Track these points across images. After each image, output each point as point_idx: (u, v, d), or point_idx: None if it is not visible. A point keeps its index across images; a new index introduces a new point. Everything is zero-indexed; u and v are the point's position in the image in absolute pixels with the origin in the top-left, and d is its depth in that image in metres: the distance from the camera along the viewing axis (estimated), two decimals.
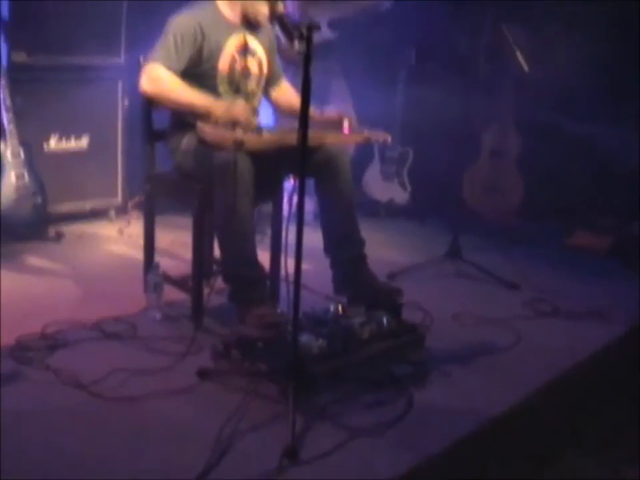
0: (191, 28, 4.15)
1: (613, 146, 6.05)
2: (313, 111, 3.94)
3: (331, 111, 4.43)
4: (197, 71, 4.20)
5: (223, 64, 4.24)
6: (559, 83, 6.20)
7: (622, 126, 5.97)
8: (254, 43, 4.37)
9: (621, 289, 5.11)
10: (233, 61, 4.27)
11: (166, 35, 4.14)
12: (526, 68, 5.05)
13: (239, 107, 4.07)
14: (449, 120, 5.65)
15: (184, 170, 4.24)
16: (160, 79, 4.08)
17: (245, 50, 4.31)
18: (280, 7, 4.18)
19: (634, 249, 5.61)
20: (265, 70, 4.46)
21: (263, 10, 4.20)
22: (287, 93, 4.63)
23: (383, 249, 5.56)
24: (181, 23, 4.17)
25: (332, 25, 5.89)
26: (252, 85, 4.37)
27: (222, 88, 4.25)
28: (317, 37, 5.30)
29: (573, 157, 6.31)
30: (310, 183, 4.18)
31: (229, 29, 4.29)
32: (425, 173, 6.55)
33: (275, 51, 4.61)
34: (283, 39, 3.61)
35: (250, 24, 4.34)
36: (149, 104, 4.29)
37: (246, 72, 4.33)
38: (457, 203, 5.43)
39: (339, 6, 5.92)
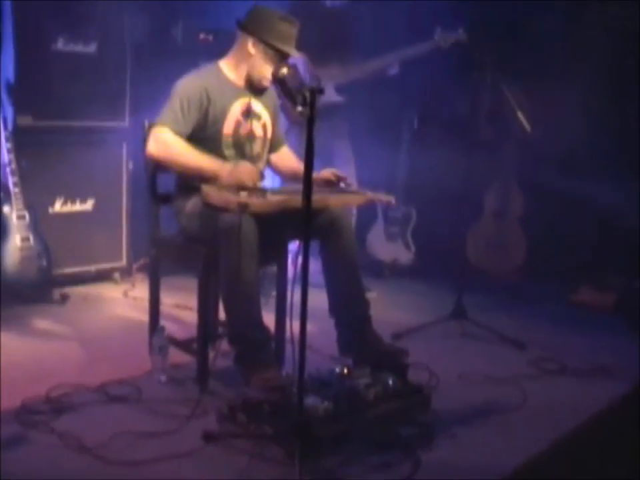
0: (197, 92, 4.20)
1: (616, 203, 6.06)
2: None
3: (325, 171, 4.43)
4: (203, 135, 4.24)
5: (228, 128, 4.28)
6: (560, 141, 6.24)
7: (625, 183, 5.98)
8: (259, 107, 4.42)
9: (626, 345, 5.10)
10: (238, 124, 4.31)
11: (173, 99, 4.19)
12: (528, 128, 5.07)
13: (245, 169, 4.10)
14: (452, 180, 5.67)
15: (189, 233, 4.26)
16: (167, 142, 4.13)
17: (250, 114, 4.36)
18: (284, 71, 4.24)
19: (638, 306, 5.61)
20: (270, 133, 4.50)
21: (268, 74, 4.24)
22: (287, 157, 4.66)
23: (388, 309, 5.58)
24: (187, 87, 4.22)
25: (339, 88, 5.94)
26: (257, 148, 4.41)
27: (227, 152, 4.28)
28: (324, 99, 5.39)
29: (576, 214, 6.34)
30: (315, 243, 4.21)
31: (234, 92, 4.34)
32: (428, 233, 6.57)
33: (278, 114, 4.66)
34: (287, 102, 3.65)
35: (254, 88, 4.39)
36: (155, 167, 4.32)
37: (251, 135, 4.37)
38: (461, 262, 5.43)
39: (348, 71, 5.97)
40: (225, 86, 4.33)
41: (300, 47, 4.37)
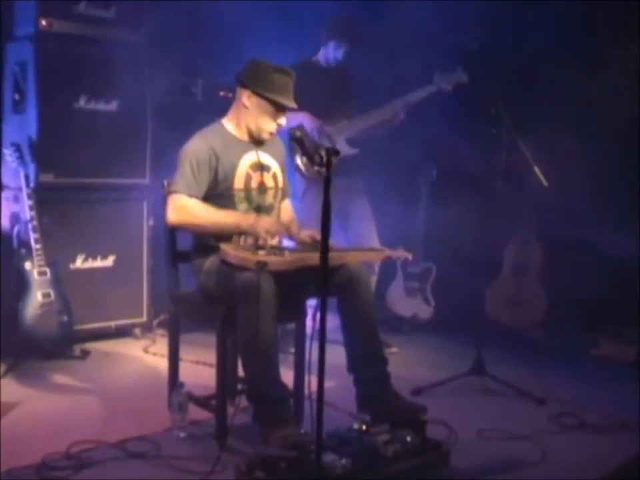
0: (205, 153, 4.25)
1: (636, 255, 6.06)
2: (295, 227, 4.05)
3: (304, 233, 4.42)
4: (214, 193, 4.29)
5: (239, 183, 4.33)
6: (577, 193, 6.25)
7: None
8: (267, 158, 4.46)
9: None
10: (248, 178, 4.35)
11: (182, 164, 4.24)
12: (545, 183, 5.09)
13: (266, 222, 4.14)
14: (471, 235, 5.70)
15: (207, 291, 4.28)
16: (186, 208, 4.18)
17: (259, 166, 4.40)
18: (282, 121, 4.30)
19: None
20: (281, 183, 4.53)
21: (267, 126, 4.31)
22: (285, 211, 4.68)
23: (408, 365, 5.59)
24: (194, 150, 4.27)
25: (350, 142, 5.98)
26: (269, 198, 4.44)
27: (241, 206, 4.32)
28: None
29: (596, 267, 6.33)
30: (334, 300, 4.23)
31: (240, 147, 4.39)
32: (448, 288, 6.58)
33: (286, 163, 4.69)
34: (303, 161, 3.68)
35: (258, 141, 4.43)
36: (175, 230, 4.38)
37: (262, 187, 4.40)
38: (480, 318, 5.42)
39: (355, 123, 6.01)
40: (230, 142, 4.38)
41: (306, 106, 4.41)
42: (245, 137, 4.42)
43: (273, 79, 4.27)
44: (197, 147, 4.29)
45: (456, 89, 5.79)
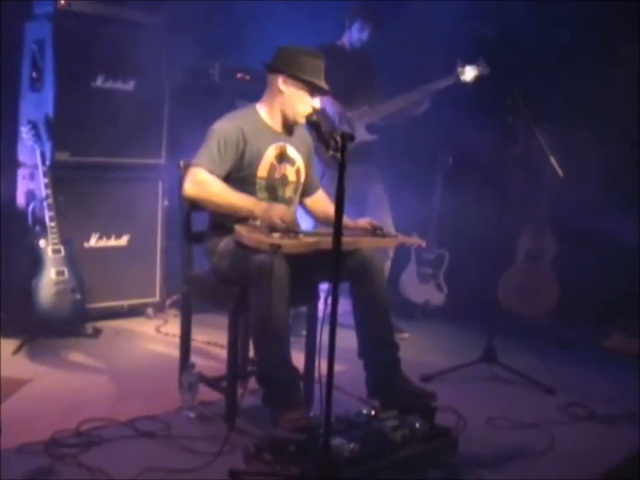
0: (234, 134, 4.25)
1: None
2: (346, 219, 4.01)
3: (362, 220, 4.47)
4: (237, 176, 4.29)
5: (262, 171, 4.33)
6: (592, 185, 6.24)
7: None
8: (293, 152, 4.46)
9: None
10: (273, 168, 4.36)
11: (210, 140, 4.23)
12: (560, 173, 5.08)
13: (280, 209, 4.14)
14: (485, 223, 5.70)
15: (220, 272, 4.29)
16: (204, 182, 4.17)
17: (284, 158, 4.41)
18: (317, 103, 4.30)
19: None
20: (303, 178, 4.54)
21: (303, 110, 4.31)
22: (322, 202, 4.69)
23: (419, 351, 5.62)
24: (224, 129, 4.27)
25: (369, 128, 5.99)
26: (289, 192, 4.45)
27: (260, 194, 4.32)
28: (356, 139, 5.42)
29: (609, 259, 6.31)
30: (347, 284, 4.25)
31: (270, 136, 4.39)
32: (461, 275, 6.60)
33: (312, 160, 4.70)
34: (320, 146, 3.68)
35: (290, 129, 4.43)
36: (190, 206, 4.37)
37: (284, 180, 4.41)
38: (492, 306, 5.42)
39: (376, 109, 6.02)
40: (261, 129, 4.37)
41: (329, 90, 4.42)
42: (277, 126, 4.42)
43: (306, 61, 4.28)
44: (227, 126, 4.29)
45: (477, 80, 5.81)
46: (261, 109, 4.43)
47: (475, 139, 6.24)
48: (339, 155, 3.21)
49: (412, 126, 6.38)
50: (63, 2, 5.53)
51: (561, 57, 6.44)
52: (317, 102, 4.36)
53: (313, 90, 4.31)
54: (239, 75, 6.40)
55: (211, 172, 4.18)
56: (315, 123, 3.81)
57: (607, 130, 6.27)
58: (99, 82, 5.73)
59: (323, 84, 4.34)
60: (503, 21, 6.22)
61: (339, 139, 3.22)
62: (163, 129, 6.06)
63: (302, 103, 4.32)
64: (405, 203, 6.27)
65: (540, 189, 6.25)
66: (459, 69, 5.79)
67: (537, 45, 6.43)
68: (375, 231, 4.41)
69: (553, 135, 5.22)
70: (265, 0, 6.46)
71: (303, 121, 4.36)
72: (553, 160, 5.08)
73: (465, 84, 5.81)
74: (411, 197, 6.35)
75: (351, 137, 3.26)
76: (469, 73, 5.78)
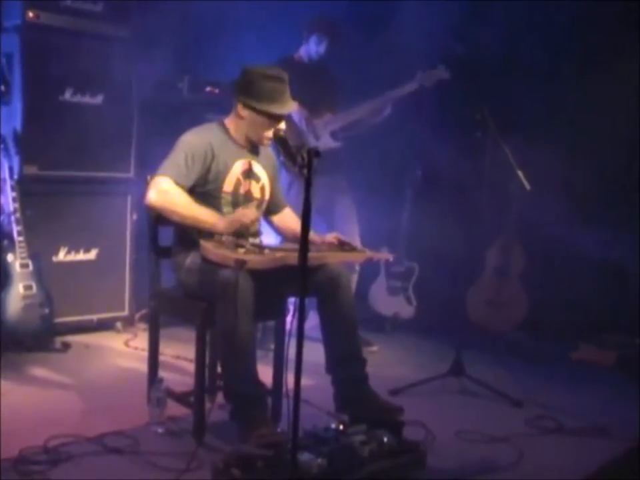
0: (202, 147, 4.25)
1: (616, 260, 6.09)
2: (313, 235, 4.03)
3: (330, 236, 4.46)
4: (202, 190, 4.28)
5: (228, 186, 4.32)
6: (559, 197, 6.28)
7: (626, 239, 6.01)
8: (258, 169, 4.46)
9: (625, 404, 5.08)
10: (238, 183, 4.35)
11: (177, 151, 4.23)
12: (527, 187, 5.11)
13: (242, 212, 4.18)
14: (454, 237, 5.73)
15: (187, 287, 4.28)
16: (168, 192, 4.16)
17: (249, 174, 4.40)
18: (282, 126, 4.29)
19: (638, 364, 5.62)
20: (267, 196, 4.53)
21: (266, 134, 4.29)
22: (290, 219, 4.67)
23: (388, 364, 5.63)
24: (193, 142, 4.26)
25: (334, 135, 6.03)
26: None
27: (225, 209, 4.31)
28: (320, 146, 5.45)
29: (576, 271, 6.37)
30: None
31: (237, 151, 4.38)
32: (430, 288, 6.61)
33: (278, 177, 4.71)
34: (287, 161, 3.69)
35: (255, 148, 4.44)
36: (157, 220, 4.36)
37: (249, 196, 4.40)
38: (460, 319, 5.45)
39: (340, 117, 6.06)
40: (229, 143, 4.37)
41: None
42: (243, 142, 4.41)
43: (265, 87, 4.23)
44: (196, 139, 4.29)
45: (439, 86, 5.88)
46: (228, 124, 4.42)
47: (444, 153, 6.29)
48: (305, 171, 3.22)
49: (382, 139, 6.42)
50: (31, 15, 5.51)
51: (529, 72, 6.48)
52: (282, 125, 4.31)
53: (273, 117, 4.27)
54: (208, 89, 6.40)
55: (177, 183, 4.17)
56: (281, 139, 3.82)
57: (575, 143, 6.32)
58: (67, 96, 5.71)
59: (283, 109, 4.29)
60: (472, 36, 6.24)
61: (305, 155, 3.23)
62: (132, 143, 6.04)
63: (263, 128, 4.29)
64: (374, 216, 6.29)
65: (508, 202, 6.27)
66: (419, 75, 5.85)
67: (506, 60, 6.48)
68: (342, 246, 4.41)
69: (521, 148, 5.26)
70: (235, 14, 6.47)
71: (267, 143, 4.37)
72: (520, 174, 5.12)
73: (425, 89, 5.88)
74: (380, 210, 6.37)
75: (317, 153, 3.26)
76: (430, 78, 5.85)
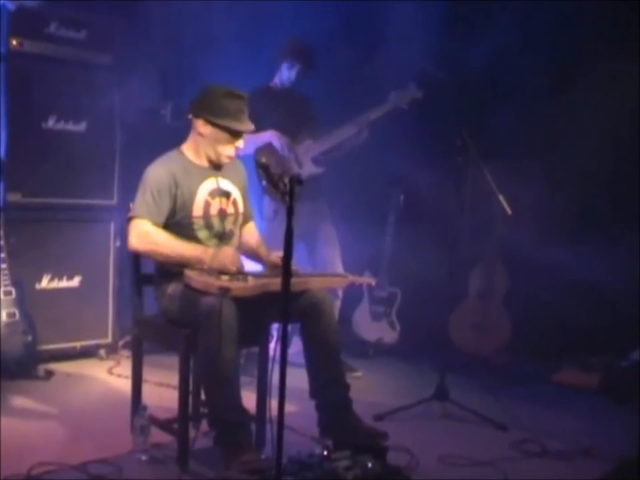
0: (165, 180, 4.26)
1: (598, 282, 6.10)
2: (264, 249, 4.17)
3: (274, 254, 4.40)
4: (173, 221, 4.29)
5: (197, 210, 4.32)
6: (542, 217, 6.31)
7: (609, 260, 6.03)
8: (227, 184, 4.46)
9: (610, 426, 5.11)
10: (207, 205, 4.35)
11: (144, 190, 4.24)
12: (509, 211, 5.14)
13: (227, 253, 4.16)
14: (437, 261, 5.74)
15: (170, 315, 4.28)
16: (148, 234, 4.19)
17: (218, 193, 4.41)
18: (240, 144, 4.31)
19: (621, 386, 5.63)
20: (241, 208, 4.52)
21: (224, 151, 4.33)
22: (250, 234, 4.67)
23: (371, 390, 5.62)
24: (155, 176, 4.28)
25: (315, 161, 6.04)
26: (229, 225, 4.43)
27: (200, 233, 4.32)
28: (303, 173, 5.46)
29: (559, 294, 6.38)
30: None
31: (200, 174, 4.39)
32: (413, 313, 6.62)
33: (247, 188, 4.69)
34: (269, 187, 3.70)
35: (218, 166, 4.44)
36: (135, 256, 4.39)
37: (222, 214, 4.40)
38: (443, 343, 5.45)
39: (319, 142, 6.06)
40: (190, 169, 4.37)
41: (270, 128, 4.40)
42: (205, 163, 4.42)
43: (225, 104, 4.27)
44: (158, 173, 4.29)
45: (419, 111, 5.92)
46: (187, 150, 4.43)
47: (426, 178, 6.31)
48: (287, 198, 3.24)
49: (363, 164, 6.45)
50: (14, 43, 5.52)
51: (511, 91, 6.51)
52: (241, 143, 4.37)
53: (233, 133, 4.31)
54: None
55: (152, 222, 4.20)
56: (263, 165, 3.83)
57: (558, 163, 6.35)
58: (50, 123, 5.72)
59: (242, 126, 4.33)
60: (452, 59, 6.28)
61: (287, 182, 3.25)
62: (115, 170, 6.05)
63: (223, 145, 4.33)
64: (356, 241, 6.31)
65: (490, 225, 6.30)
66: (392, 95, 5.88)
67: (486, 82, 6.52)
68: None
69: (501, 172, 5.28)
70: (218, 41, 6.49)
71: (226, 161, 4.40)
72: (501, 198, 5.15)
73: (400, 109, 5.90)
74: (362, 235, 6.38)
75: (299, 181, 3.28)
76: (403, 98, 5.88)
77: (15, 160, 5.60)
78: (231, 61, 6.31)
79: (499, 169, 5.24)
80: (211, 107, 4.28)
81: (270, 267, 4.43)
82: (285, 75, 6.09)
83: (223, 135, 4.30)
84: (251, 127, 4.41)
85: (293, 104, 6.07)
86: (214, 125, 4.28)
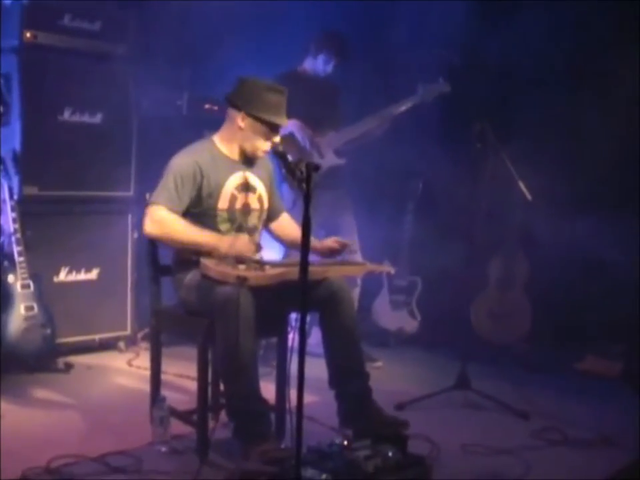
0: (190, 168, 4.23)
1: (622, 270, 6.06)
2: (314, 240, 4.01)
3: (328, 240, 4.45)
4: (197, 210, 4.27)
5: (223, 202, 4.31)
6: (563, 206, 6.26)
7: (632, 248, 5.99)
8: (254, 180, 4.44)
9: (632, 414, 5.03)
10: (233, 198, 4.33)
11: (166, 177, 4.22)
12: (529, 197, 5.10)
13: (243, 241, 4.15)
14: (457, 249, 5.70)
15: (188, 305, 4.27)
16: (163, 220, 4.17)
17: (245, 187, 4.39)
18: (277, 139, 4.29)
19: None
20: (266, 204, 4.51)
21: (261, 146, 4.30)
22: (287, 225, 4.66)
23: (392, 379, 5.61)
24: (180, 164, 4.25)
25: (338, 152, 6.01)
26: (253, 220, 4.42)
27: (222, 226, 4.30)
28: (325, 164, 5.45)
29: (582, 282, 6.33)
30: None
31: (229, 166, 4.37)
32: (434, 302, 6.59)
33: (274, 185, 4.68)
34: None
35: (249, 160, 4.42)
36: (154, 244, 4.37)
37: (247, 209, 4.38)
38: (464, 332, 5.42)
39: (342, 134, 6.04)
40: (219, 161, 4.35)
41: (294, 116, 4.40)
42: (236, 156, 4.39)
43: (267, 99, 4.25)
44: (183, 161, 4.27)
45: (438, 99, 5.91)
46: (219, 140, 4.41)
47: (445, 165, 6.27)
48: (304, 185, 3.21)
49: (382, 152, 6.42)
50: (29, 35, 5.50)
51: (529, 80, 6.47)
52: (277, 138, 4.34)
53: (273, 128, 4.29)
54: (207, 106, 6.39)
55: (170, 209, 4.17)
56: (280, 153, 3.81)
57: (577, 151, 6.30)
58: (66, 115, 5.70)
59: (283, 121, 4.33)
60: (470, 46, 6.25)
61: (303, 169, 3.22)
62: (132, 162, 6.03)
63: (261, 140, 4.31)
64: (375, 230, 6.28)
65: (510, 212, 6.26)
66: (420, 89, 5.84)
67: (504, 68, 6.47)
68: (342, 250, 4.40)
69: (521, 158, 5.24)
70: (233, 32, 6.48)
71: (262, 155, 4.38)
72: (521, 184, 5.11)
73: (427, 103, 5.88)
74: (381, 224, 6.37)
75: (316, 167, 3.25)
76: (431, 92, 5.85)
77: (31, 153, 5.59)
78: (246, 50, 6.30)
79: (518, 155, 5.20)
80: (253, 101, 4.25)
81: (326, 253, 4.42)
82: (321, 66, 6.06)
83: (263, 129, 4.27)
84: (287, 121, 4.42)
85: (321, 93, 6.05)
86: (255, 118, 4.26)
